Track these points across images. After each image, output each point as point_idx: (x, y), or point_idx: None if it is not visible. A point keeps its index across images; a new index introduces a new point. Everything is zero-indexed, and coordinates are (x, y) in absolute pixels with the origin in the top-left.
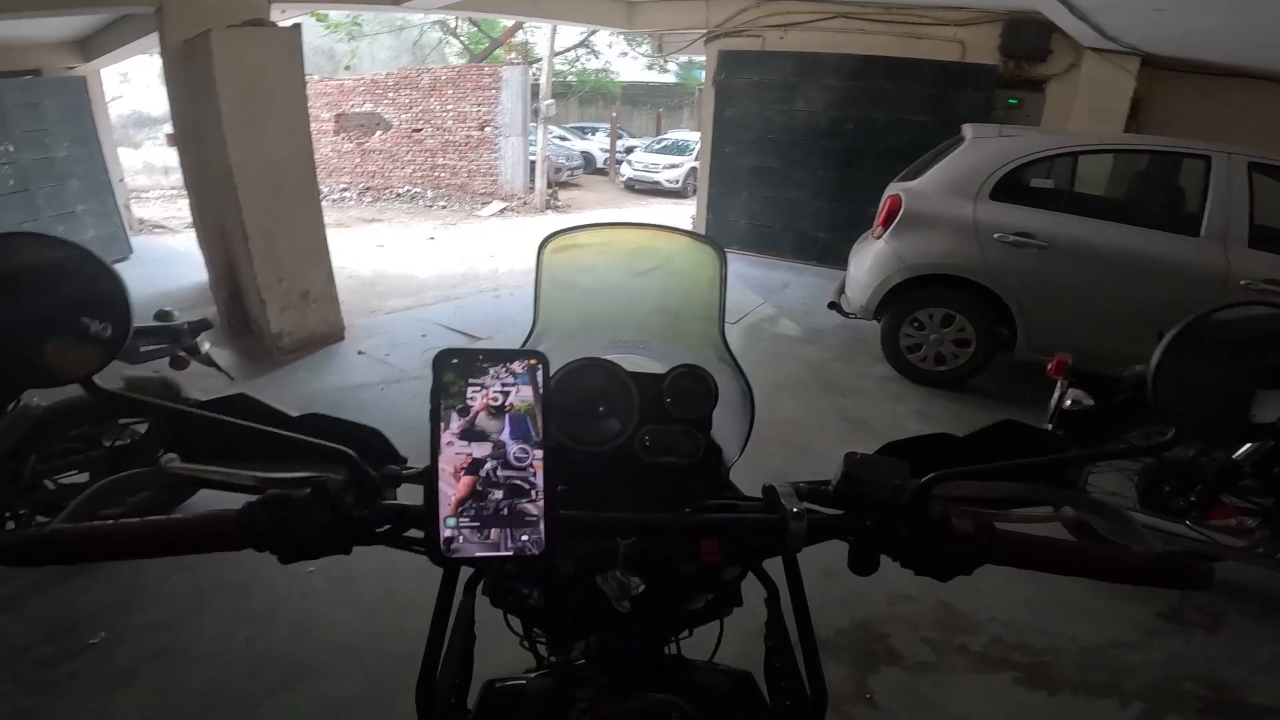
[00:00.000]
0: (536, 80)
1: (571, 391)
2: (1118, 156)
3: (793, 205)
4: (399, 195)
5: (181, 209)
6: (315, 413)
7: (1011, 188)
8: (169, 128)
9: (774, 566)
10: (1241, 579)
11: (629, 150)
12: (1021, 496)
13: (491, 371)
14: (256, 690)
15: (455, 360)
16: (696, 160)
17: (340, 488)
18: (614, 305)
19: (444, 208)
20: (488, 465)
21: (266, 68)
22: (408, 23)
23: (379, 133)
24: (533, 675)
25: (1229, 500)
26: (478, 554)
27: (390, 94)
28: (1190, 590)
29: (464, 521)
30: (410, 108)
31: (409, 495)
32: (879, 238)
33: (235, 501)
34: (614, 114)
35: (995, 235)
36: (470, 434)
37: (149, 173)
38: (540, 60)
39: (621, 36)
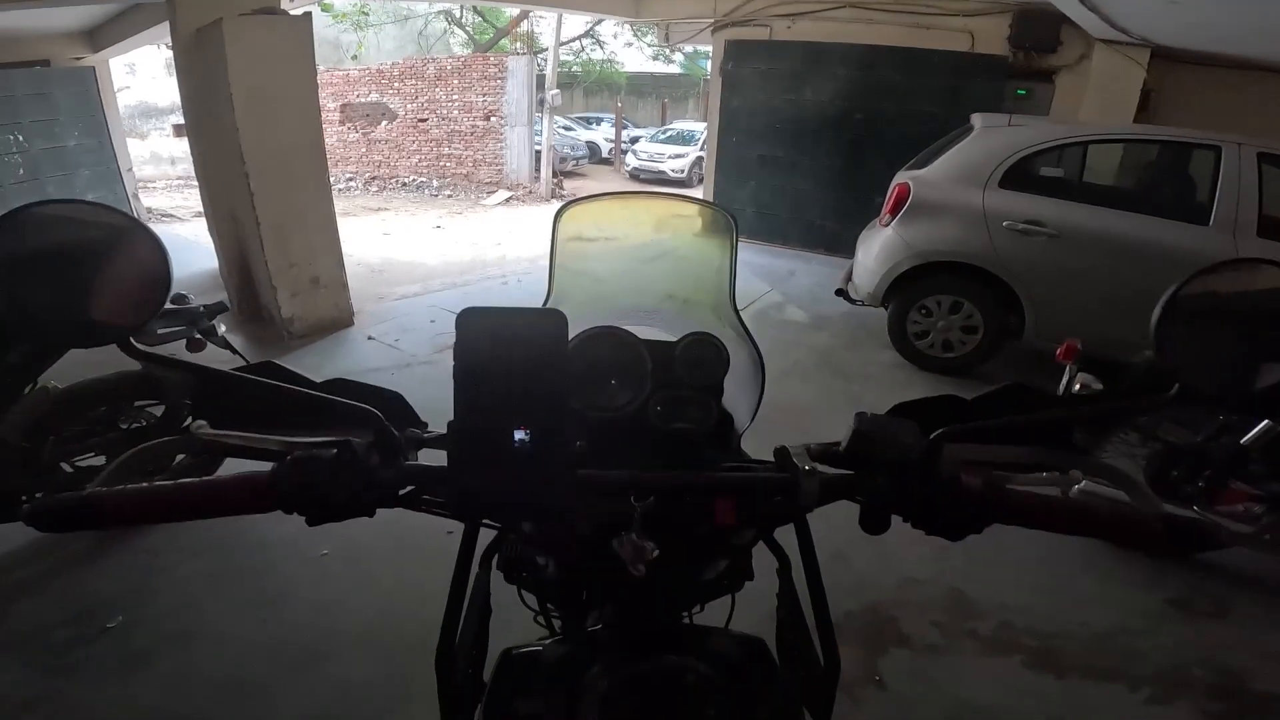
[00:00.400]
0: (542, 70)
1: (585, 359)
2: (1128, 147)
3: (800, 194)
4: (405, 185)
5: (188, 199)
6: (339, 378)
7: (1021, 176)
8: (175, 118)
9: (785, 539)
10: (1249, 566)
11: (634, 140)
12: (1030, 461)
13: (513, 329)
14: (272, 673)
15: (478, 318)
16: (702, 150)
17: (365, 449)
18: (627, 274)
19: (450, 197)
20: (509, 422)
21: (278, 55)
22: (413, 13)
23: (385, 123)
24: (549, 642)
25: (1237, 486)
26: (500, 509)
27: (396, 84)
28: (1198, 550)
29: (485, 478)
30: (416, 98)
31: (429, 460)
32: (887, 225)
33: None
34: (619, 104)
35: (1005, 223)
36: (492, 391)
37: (155, 163)
38: (545, 50)
39: (627, 26)
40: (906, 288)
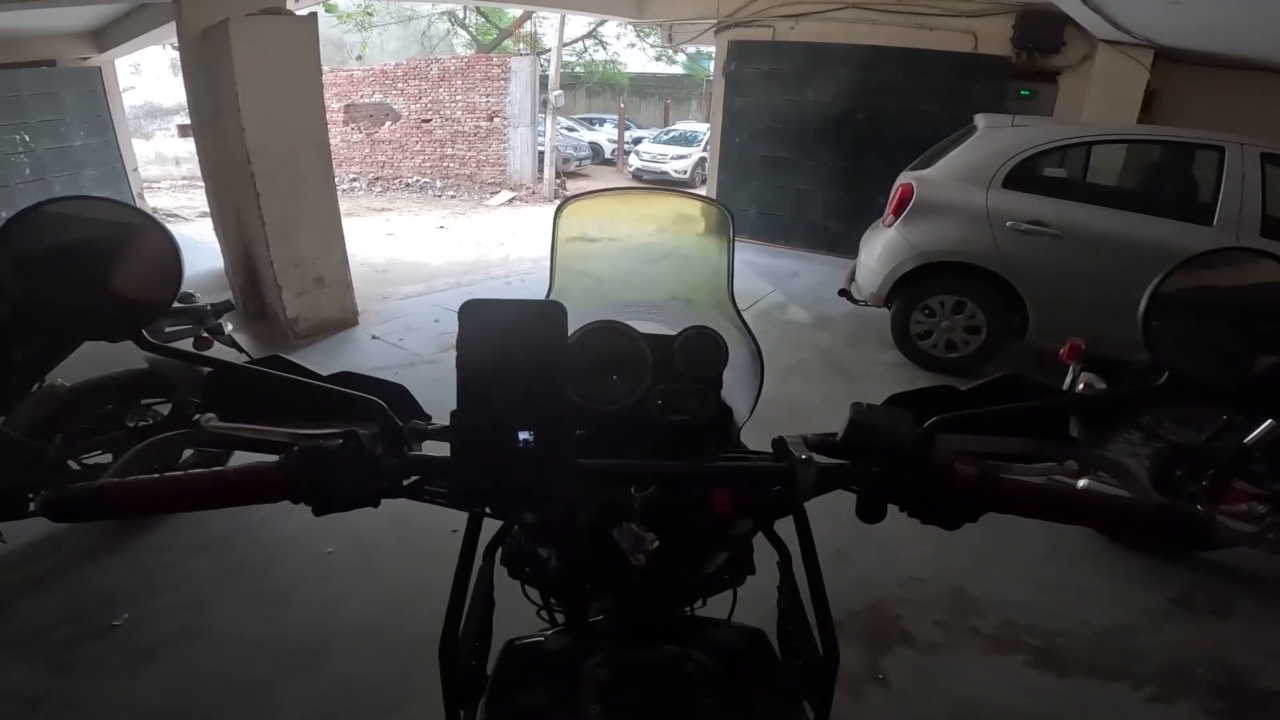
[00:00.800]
0: (545, 71)
1: (586, 353)
2: (1131, 147)
3: (803, 195)
4: (408, 185)
5: (193, 199)
6: (344, 371)
7: (1025, 177)
8: (180, 119)
9: (785, 532)
10: (1252, 565)
11: (637, 141)
12: (1026, 452)
13: (514, 319)
14: (277, 670)
15: (480, 309)
16: (704, 151)
17: (371, 439)
18: (626, 269)
19: (453, 197)
20: (511, 412)
21: (283, 55)
22: (416, 13)
23: (388, 123)
24: (551, 633)
25: (1240, 485)
26: (502, 499)
27: (399, 85)
28: (1191, 541)
29: (486, 468)
30: (419, 98)
31: (433, 452)
32: (890, 226)
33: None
34: (622, 105)
35: (1008, 223)
36: (494, 382)
37: (160, 163)
38: (548, 51)
39: (630, 27)
40: (909, 288)
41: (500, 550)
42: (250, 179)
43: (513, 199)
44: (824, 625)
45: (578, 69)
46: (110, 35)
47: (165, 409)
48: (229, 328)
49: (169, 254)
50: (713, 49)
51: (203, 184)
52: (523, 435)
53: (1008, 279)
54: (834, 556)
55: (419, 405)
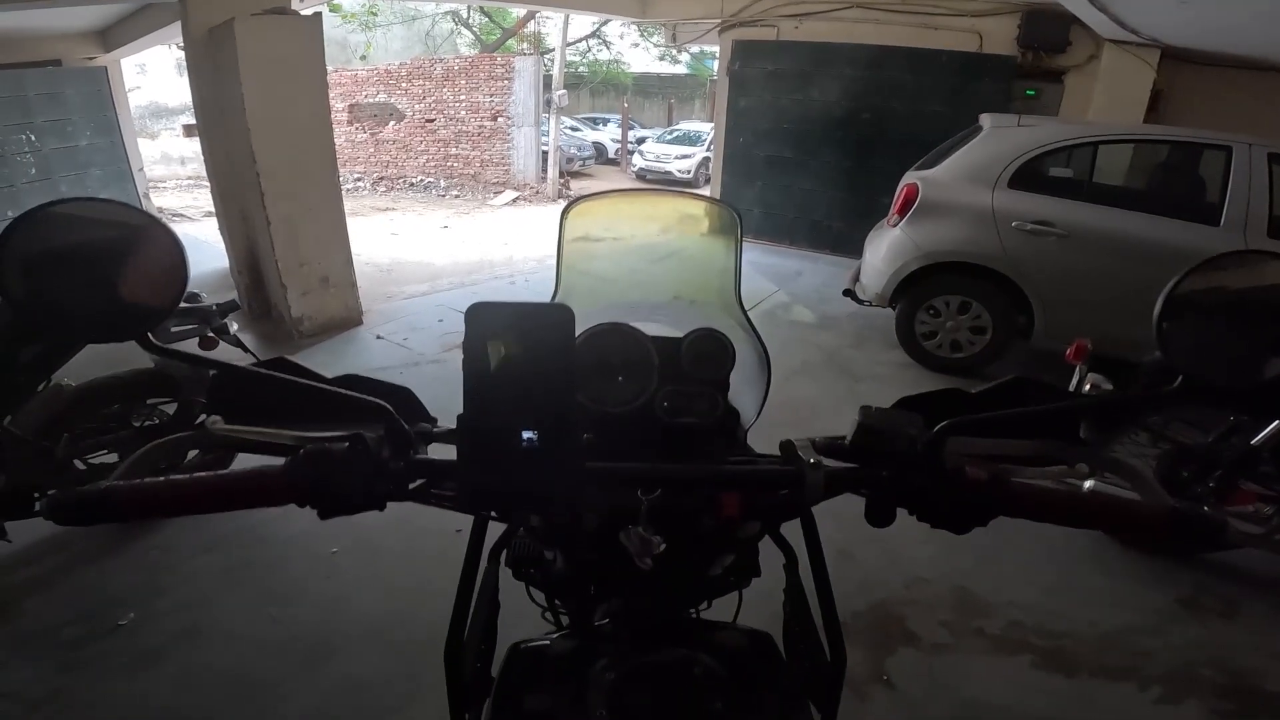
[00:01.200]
0: (548, 71)
1: (593, 355)
2: (1137, 147)
3: (807, 195)
4: (412, 185)
5: (198, 198)
6: (350, 374)
7: (1031, 176)
8: (186, 118)
9: (791, 535)
10: (1259, 567)
11: (640, 141)
12: (1036, 454)
13: (521, 323)
14: (282, 670)
15: (486, 313)
16: (708, 151)
17: (377, 442)
18: (633, 270)
19: (457, 197)
20: (517, 416)
21: (289, 55)
22: (420, 13)
23: (392, 123)
24: (556, 636)
25: (1247, 486)
26: (509, 503)
27: (403, 84)
28: (1202, 543)
29: (493, 472)
30: (423, 98)
31: (438, 455)
32: (895, 226)
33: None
34: (625, 104)
35: (1014, 223)
36: (500, 385)
37: (166, 163)
38: (552, 51)
39: (633, 27)
40: (914, 288)
41: (505, 552)
42: (255, 179)
43: (516, 199)
44: (830, 628)
45: (581, 68)
46: (116, 35)
47: (171, 408)
48: (234, 327)
49: (174, 256)
50: (717, 48)
51: (208, 184)
52: (529, 438)
53: (1013, 279)
54: (838, 556)
55: (424, 408)
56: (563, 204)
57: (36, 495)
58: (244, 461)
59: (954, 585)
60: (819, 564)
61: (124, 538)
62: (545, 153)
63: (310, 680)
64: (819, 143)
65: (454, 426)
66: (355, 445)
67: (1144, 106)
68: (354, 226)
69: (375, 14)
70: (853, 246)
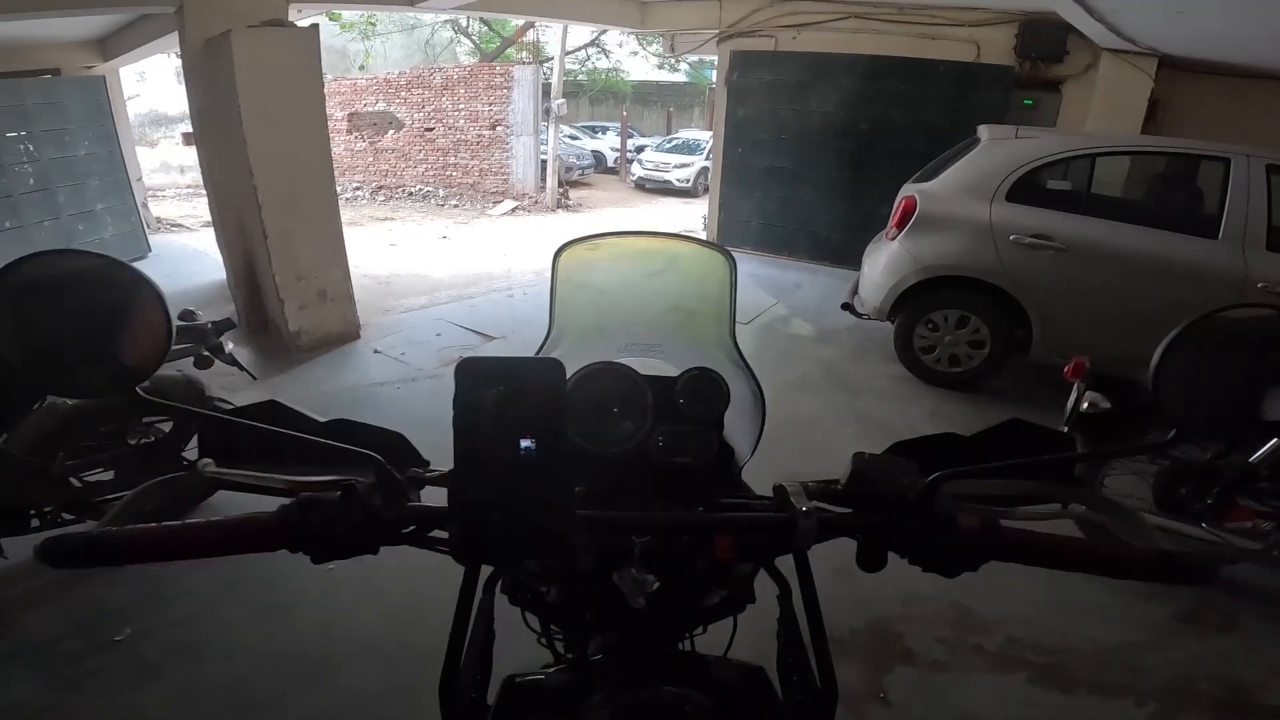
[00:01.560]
0: (548, 79)
1: (587, 394)
2: (1135, 158)
3: (806, 206)
4: (411, 194)
5: (197, 207)
6: (342, 419)
7: (1028, 189)
8: (185, 127)
9: (786, 564)
10: (1257, 581)
11: (639, 149)
12: (1029, 494)
13: (511, 378)
14: (281, 686)
15: (477, 368)
16: (707, 160)
17: (369, 490)
18: (627, 311)
19: (456, 207)
20: (508, 468)
21: (286, 67)
22: (419, 22)
23: (391, 132)
24: (551, 670)
25: (1245, 503)
26: (502, 553)
27: (402, 93)
28: (1195, 585)
29: (485, 523)
30: (422, 107)
31: (432, 497)
32: (893, 239)
33: (256, 504)
34: (624, 113)
35: (1012, 237)
36: (492, 438)
37: (165, 171)
38: (551, 59)
39: (633, 36)
40: (913, 301)
41: (501, 580)
42: (252, 191)
43: (515, 208)
44: (822, 660)
45: (580, 77)
46: (115, 44)
47: (167, 426)
48: (229, 346)
49: (158, 311)
50: (715, 57)
51: (206, 195)
52: (521, 491)
53: (1012, 293)
54: (835, 574)
55: (418, 452)
56: (562, 214)
57: (33, 512)
58: (233, 501)
59: (951, 602)
60: (811, 600)
61: None
62: (544, 161)
63: (310, 695)
64: (818, 153)
65: (448, 469)
66: (347, 494)
67: (1142, 115)
68: (353, 236)
69: (374, 24)
70: (852, 258)
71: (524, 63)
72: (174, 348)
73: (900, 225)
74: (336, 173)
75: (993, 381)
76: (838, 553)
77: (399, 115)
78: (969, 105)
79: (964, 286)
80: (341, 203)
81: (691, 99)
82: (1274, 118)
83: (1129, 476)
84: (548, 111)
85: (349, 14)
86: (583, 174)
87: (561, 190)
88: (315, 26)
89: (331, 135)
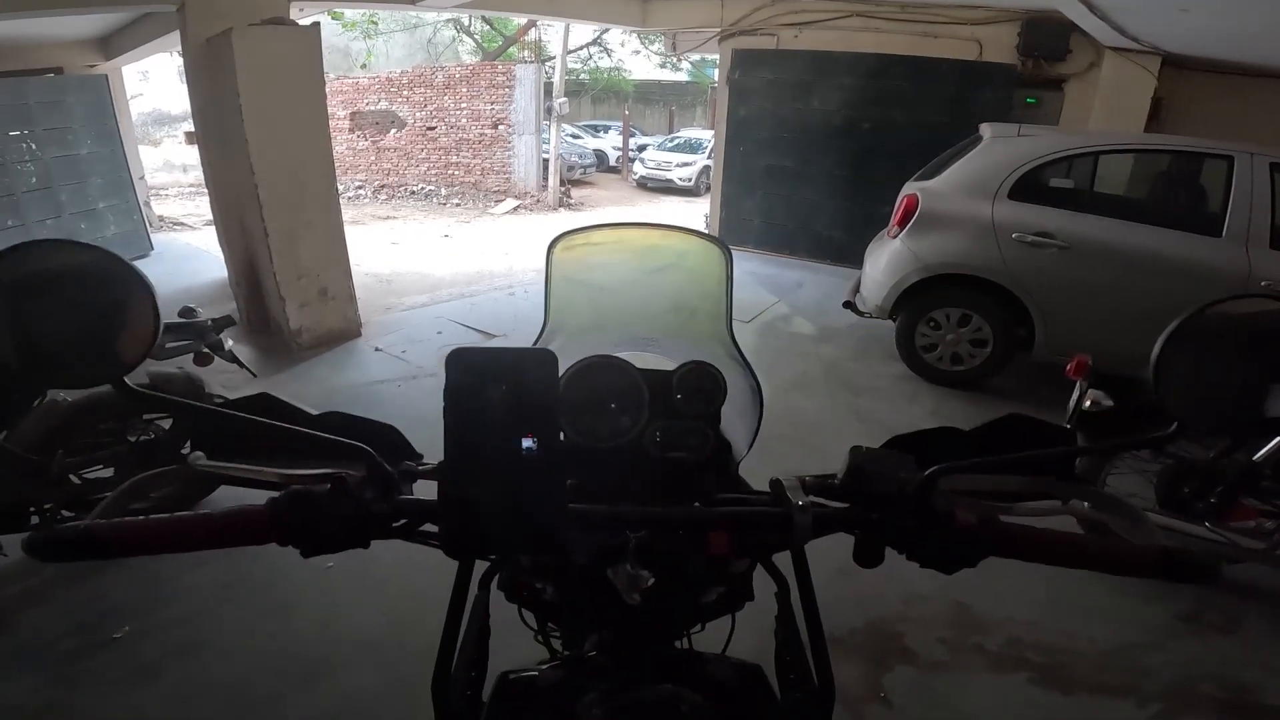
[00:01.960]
0: (549, 78)
1: (583, 388)
2: (1138, 156)
3: (807, 204)
4: (413, 193)
5: (200, 206)
6: (334, 411)
7: (1031, 187)
8: (188, 125)
9: (785, 562)
10: (1260, 581)
11: (641, 148)
12: (1029, 490)
13: (502, 370)
14: (279, 685)
15: (468, 359)
16: (709, 158)
17: (360, 483)
18: (623, 304)
19: (458, 205)
20: (500, 463)
21: (287, 66)
22: (422, 21)
23: (393, 130)
24: (545, 667)
25: (1248, 502)
26: (492, 547)
27: (405, 92)
28: (1194, 584)
29: (475, 517)
30: (424, 106)
31: (425, 490)
32: (895, 237)
33: (258, 498)
34: (626, 112)
35: (1014, 235)
36: (484, 431)
37: (168, 170)
38: (553, 58)
39: (634, 35)
40: (915, 300)
41: (498, 576)
42: (253, 190)
43: (517, 207)
44: (819, 658)
45: (582, 76)
46: (117, 43)
47: (167, 423)
48: (229, 343)
49: (145, 301)
50: (717, 56)
51: (208, 194)
52: (512, 484)
53: (1014, 291)
54: (835, 574)
55: (410, 445)
56: (564, 213)
57: (32, 510)
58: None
59: (952, 601)
60: (809, 596)
61: None
62: (546, 160)
63: (309, 694)
64: (819, 152)
65: (439, 462)
66: (337, 487)
67: (1145, 114)
68: (354, 235)
69: (376, 22)
70: (854, 256)
71: (526, 62)
72: (174, 345)
73: (902, 223)
74: (339, 171)
75: (995, 380)
76: (838, 552)
77: (401, 114)
78: (971, 104)
79: (966, 285)
80: (344, 201)
81: (693, 98)
82: (1277, 116)
83: (1132, 476)
84: (550, 110)
85: (351, 13)
86: (585, 173)
87: (563, 189)
88: (317, 25)
89: (334, 134)
